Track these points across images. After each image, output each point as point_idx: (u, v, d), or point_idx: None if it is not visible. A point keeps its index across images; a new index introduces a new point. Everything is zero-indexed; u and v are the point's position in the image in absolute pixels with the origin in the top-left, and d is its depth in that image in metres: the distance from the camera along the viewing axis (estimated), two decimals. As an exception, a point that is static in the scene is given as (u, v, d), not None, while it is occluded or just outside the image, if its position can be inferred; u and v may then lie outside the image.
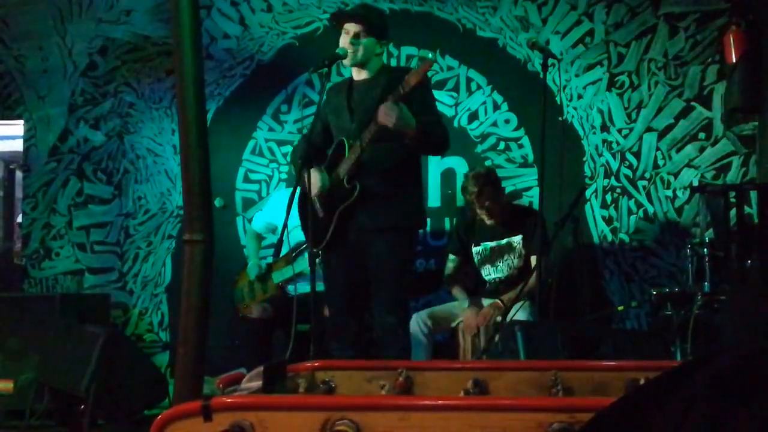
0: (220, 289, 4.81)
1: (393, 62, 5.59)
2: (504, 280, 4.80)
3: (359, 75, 3.92)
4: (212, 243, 2.93)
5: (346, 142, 3.79)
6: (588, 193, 5.42)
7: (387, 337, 3.77)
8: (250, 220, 5.53)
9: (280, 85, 5.87)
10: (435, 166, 5.51)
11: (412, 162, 3.87)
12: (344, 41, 3.82)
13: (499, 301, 4.59)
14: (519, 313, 4.43)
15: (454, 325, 4.76)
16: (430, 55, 3.50)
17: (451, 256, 4.99)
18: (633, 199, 5.40)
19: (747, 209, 4.99)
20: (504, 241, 4.80)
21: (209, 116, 5.55)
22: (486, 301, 4.75)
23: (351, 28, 3.81)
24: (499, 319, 4.45)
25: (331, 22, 4.27)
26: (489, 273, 4.85)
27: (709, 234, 4.68)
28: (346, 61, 3.84)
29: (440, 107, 4.71)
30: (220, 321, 4.81)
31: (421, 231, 4.54)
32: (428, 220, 5.38)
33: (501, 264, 4.81)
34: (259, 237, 5.27)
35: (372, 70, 3.89)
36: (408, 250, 3.91)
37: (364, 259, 3.82)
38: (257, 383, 2.22)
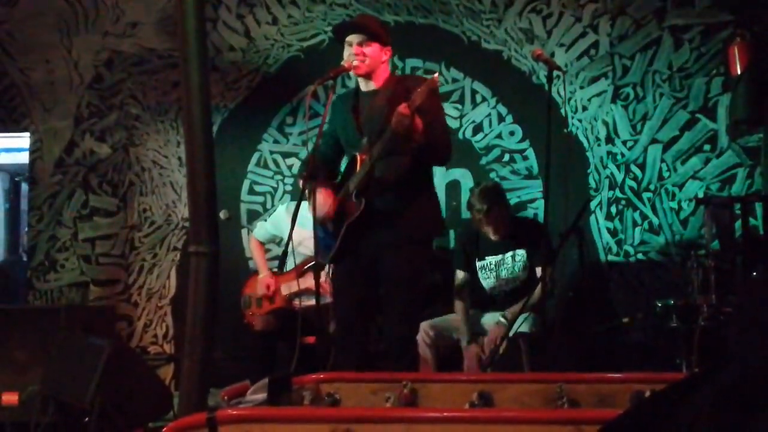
0: (225, 301, 4.80)
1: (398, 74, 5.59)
2: (509, 293, 4.77)
3: (366, 86, 3.89)
4: (218, 255, 2.94)
5: (358, 158, 3.78)
6: (593, 204, 5.42)
7: (397, 349, 3.76)
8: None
9: (285, 97, 5.88)
10: (440, 178, 5.49)
11: (422, 173, 3.85)
12: (348, 53, 3.82)
13: (503, 320, 4.54)
14: (522, 325, 4.41)
15: (456, 336, 4.73)
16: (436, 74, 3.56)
17: (459, 272, 4.91)
18: (638, 211, 5.40)
19: (752, 221, 4.99)
20: (508, 254, 4.77)
21: (215, 128, 5.55)
22: (489, 315, 4.73)
23: (353, 39, 3.81)
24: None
25: (334, 37, 4.28)
26: (494, 287, 4.82)
27: (714, 246, 4.67)
28: (353, 72, 3.84)
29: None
30: (224, 332, 4.81)
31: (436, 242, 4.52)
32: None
33: (505, 277, 4.78)
34: (262, 246, 5.22)
35: (379, 81, 3.89)
36: (422, 262, 3.88)
37: (375, 272, 3.81)
38: (262, 395, 2.22)
